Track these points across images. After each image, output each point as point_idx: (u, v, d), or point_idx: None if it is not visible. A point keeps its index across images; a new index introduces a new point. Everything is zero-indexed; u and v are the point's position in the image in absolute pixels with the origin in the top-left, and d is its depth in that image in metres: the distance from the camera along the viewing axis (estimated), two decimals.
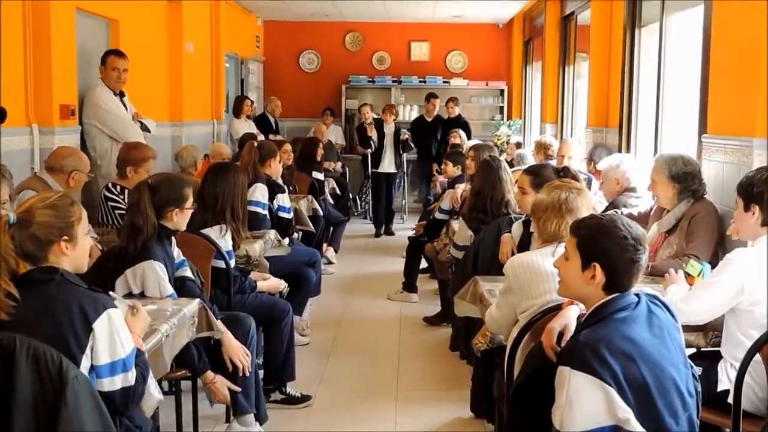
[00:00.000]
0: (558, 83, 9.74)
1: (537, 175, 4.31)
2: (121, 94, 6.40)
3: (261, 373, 4.80)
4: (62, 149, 4.97)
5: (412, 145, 11.17)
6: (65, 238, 2.65)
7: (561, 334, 2.61)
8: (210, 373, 3.75)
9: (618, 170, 5.23)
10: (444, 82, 13.26)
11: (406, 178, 12.22)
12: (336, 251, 9.05)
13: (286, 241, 6.35)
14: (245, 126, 10.13)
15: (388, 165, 11.00)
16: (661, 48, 6.13)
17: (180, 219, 3.85)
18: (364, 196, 12.17)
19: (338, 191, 10.35)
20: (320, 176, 9.27)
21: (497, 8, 11.91)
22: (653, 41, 6.38)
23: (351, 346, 5.97)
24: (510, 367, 2.93)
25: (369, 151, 11.07)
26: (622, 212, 4.80)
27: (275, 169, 6.19)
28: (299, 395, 4.77)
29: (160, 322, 3.18)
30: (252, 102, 10.79)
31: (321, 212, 8.04)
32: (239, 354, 3.83)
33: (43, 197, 2.69)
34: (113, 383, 2.59)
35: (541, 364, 2.54)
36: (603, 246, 2.42)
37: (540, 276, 3.05)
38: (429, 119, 11.35)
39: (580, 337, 2.34)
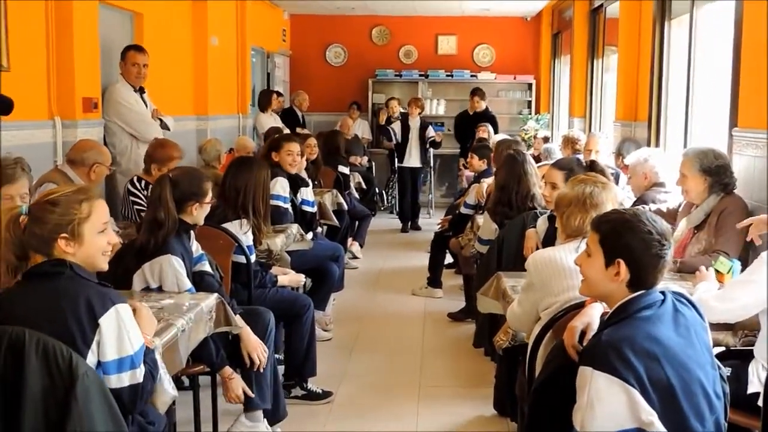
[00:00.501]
0: (586, 77, 9.61)
1: (570, 171, 4.22)
2: (141, 90, 6.36)
3: (282, 368, 4.78)
4: (83, 142, 4.95)
5: (440, 142, 11.10)
6: (64, 235, 2.56)
7: (583, 333, 2.52)
8: (228, 369, 3.72)
9: (646, 165, 5.11)
10: (471, 75, 13.16)
11: (433, 172, 12.15)
12: (361, 246, 9.00)
13: (310, 235, 6.30)
14: (270, 120, 10.11)
15: (413, 159, 10.88)
16: (691, 40, 6.00)
17: (199, 213, 3.81)
18: (390, 190, 12.12)
19: (364, 185, 10.29)
20: (346, 170, 9.21)
21: (525, 1, 11.77)
22: (683, 33, 6.25)
23: (374, 341, 5.92)
24: (531, 365, 2.85)
25: (392, 143, 10.98)
26: (650, 208, 4.70)
27: (281, 160, 5.99)
28: (320, 391, 4.71)
29: (176, 316, 3.14)
30: (280, 95, 10.76)
31: (345, 206, 7.98)
32: (258, 349, 3.79)
33: (51, 192, 2.63)
34: (120, 380, 2.54)
35: (563, 364, 2.45)
36: (627, 241, 2.33)
37: (563, 272, 2.97)
38: (472, 113, 11.27)
39: (603, 336, 2.25)
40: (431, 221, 10.95)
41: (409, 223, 10.90)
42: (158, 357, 2.80)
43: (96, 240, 2.66)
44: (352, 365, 5.36)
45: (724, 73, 5.15)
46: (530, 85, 13.27)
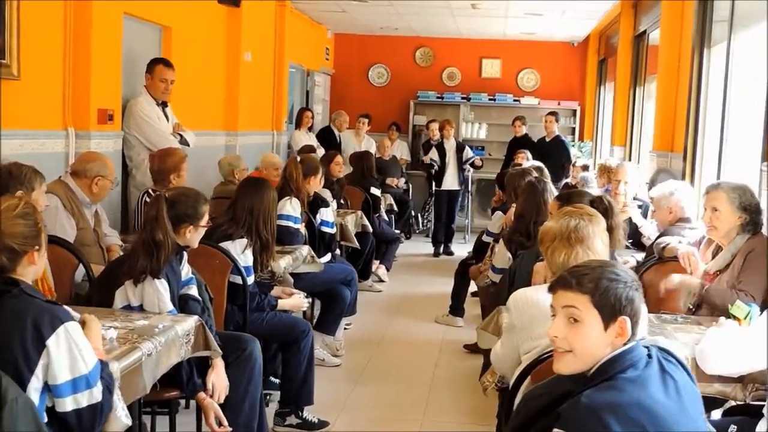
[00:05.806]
0: (628, 105, 9.33)
1: (568, 202, 3.97)
2: (164, 105, 6.25)
3: (277, 394, 4.62)
4: (88, 154, 4.86)
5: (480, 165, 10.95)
6: (37, 247, 2.54)
7: None
8: (201, 394, 3.52)
9: (671, 198, 4.84)
10: (514, 100, 12.89)
11: (470, 196, 11.93)
12: (388, 269, 8.81)
13: (327, 257, 6.15)
14: (305, 138, 10.02)
15: (450, 182, 10.68)
16: (728, 68, 5.71)
17: (193, 236, 3.67)
18: (427, 213, 11.92)
19: (396, 208, 10.10)
20: (377, 192, 9.06)
21: (571, 26, 11.50)
22: (722, 61, 5.96)
23: (384, 370, 5.71)
24: (509, 412, 2.62)
25: (434, 170, 10.79)
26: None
27: (314, 185, 5.90)
28: (316, 420, 4.53)
29: (144, 339, 2.99)
30: (307, 111, 10.58)
31: (370, 229, 7.81)
32: (222, 388, 3.53)
33: (10, 206, 2.53)
34: (77, 401, 2.42)
35: (541, 408, 2.15)
36: (618, 293, 2.03)
37: (544, 314, 2.71)
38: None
39: (583, 398, 1.94)
40: (467, 246, 10.67)
41: (442, 248, 10.68)
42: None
43: (46, 248, 2.64)
44: (356, 394, 5.16)
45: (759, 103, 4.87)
46: (575, 111, 12.95)
